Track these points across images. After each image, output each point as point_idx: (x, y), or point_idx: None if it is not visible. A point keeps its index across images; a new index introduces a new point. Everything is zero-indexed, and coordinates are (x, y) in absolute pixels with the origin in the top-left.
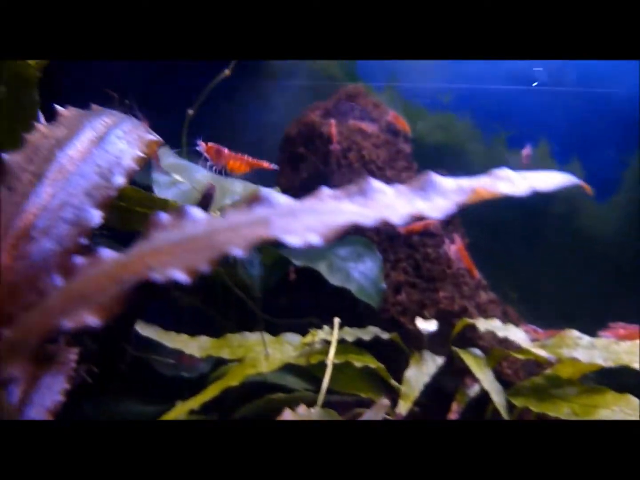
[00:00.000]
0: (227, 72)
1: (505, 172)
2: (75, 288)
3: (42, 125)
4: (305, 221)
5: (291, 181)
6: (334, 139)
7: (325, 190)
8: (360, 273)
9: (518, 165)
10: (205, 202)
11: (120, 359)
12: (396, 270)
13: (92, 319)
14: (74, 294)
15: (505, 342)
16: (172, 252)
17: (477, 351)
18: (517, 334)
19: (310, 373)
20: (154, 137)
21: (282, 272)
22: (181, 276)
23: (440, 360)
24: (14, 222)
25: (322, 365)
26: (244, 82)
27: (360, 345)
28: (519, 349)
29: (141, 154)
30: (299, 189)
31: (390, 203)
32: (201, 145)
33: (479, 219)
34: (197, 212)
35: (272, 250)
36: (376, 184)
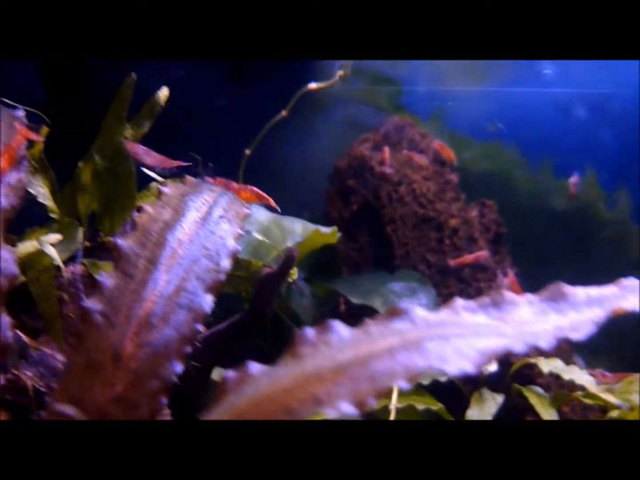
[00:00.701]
0: (284, 113)
1: (632, 282)
2: (243, 411)
3: (148, 207)
4: (456, 345)
5: (341, 213)
6: (386, 162)
7: (459, 302)
8: None
9: (565, 194)
10: (287, 265)
11: (194, 408)
12: None
13: None
14: (244, 417)
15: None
16: (336, 380)
17: (539, 389)
18: (582, 377)
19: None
20: (248, 210)
21: (333, 302)
22: (351, 409)
23: (500, 399)
24: (135, 310)
25: (385, 409)
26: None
27: (418, 386)
28: (585, 391)
29: (240, 232)
30: (349, 221)
31: (525, 317)
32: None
33: (524, 245)
34: (341, 328)
35: (322, 282)
36: (508, 295)
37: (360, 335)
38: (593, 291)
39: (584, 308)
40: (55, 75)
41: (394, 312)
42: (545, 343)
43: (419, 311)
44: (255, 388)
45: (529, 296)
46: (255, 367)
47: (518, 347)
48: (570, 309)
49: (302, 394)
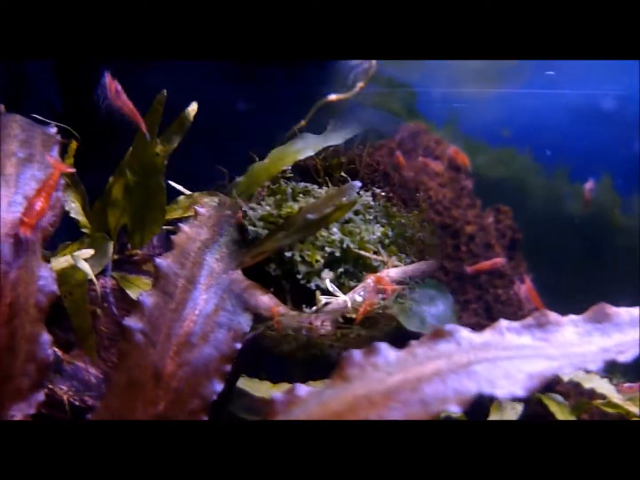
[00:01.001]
0: (302, 122)
1: None
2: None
3: (186, 227)
4: (505, 368)
5: None
6: (403, 165)
7: (503, 323)
8: (433, 317)
9: (581, 200)
10: None
11: (218, 416)
12: (467, 311)
13: None
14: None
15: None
16: (387, 405)
17: (559, 397)
18: (603, 386)
19: None
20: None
21: None
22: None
23: (519, 407)
24: (175, 330)
25: None
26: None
27: None
28: (606, 399)
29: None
30: None
31: (570, 339)
32: None
33: (540, 251)
34: (387, 350)
35: None
36: (552, 316)
37: (407, 357)
38: (636, 311)
39: (629, 329)
40: (74, 86)
41: (439, 334)
42: (593, 366)
43: (464, 332)
44: (304, 410)
45: (573, 317)
46: (303, 389)
47: (566, 370)
48: (614, 330)
49: (354, 418)
